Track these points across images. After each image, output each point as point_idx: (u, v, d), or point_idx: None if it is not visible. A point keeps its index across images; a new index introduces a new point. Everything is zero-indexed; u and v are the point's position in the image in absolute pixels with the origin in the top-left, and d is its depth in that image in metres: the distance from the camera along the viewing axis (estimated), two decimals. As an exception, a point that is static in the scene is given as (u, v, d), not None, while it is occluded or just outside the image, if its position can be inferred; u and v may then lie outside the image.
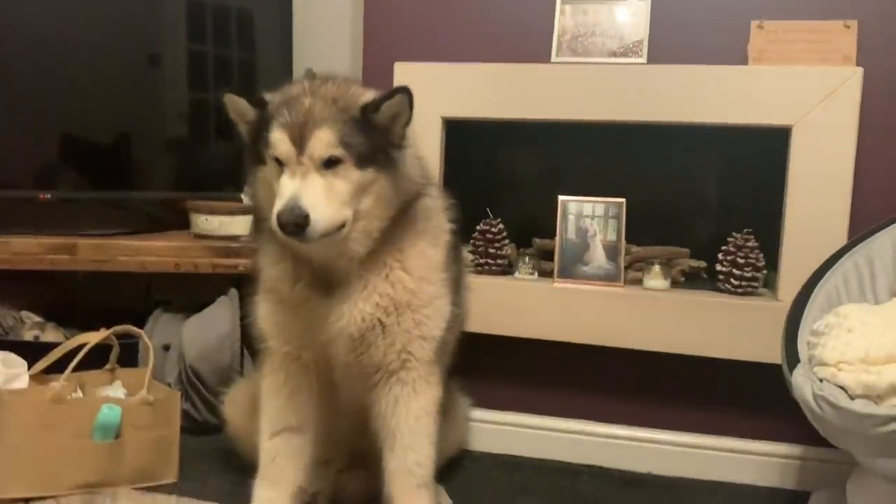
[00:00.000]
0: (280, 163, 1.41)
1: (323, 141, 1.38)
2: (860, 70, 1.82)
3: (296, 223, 1.34)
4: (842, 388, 1.30)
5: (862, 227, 1.83)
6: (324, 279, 1.52)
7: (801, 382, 1.36)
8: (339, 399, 1.68)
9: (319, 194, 1.37)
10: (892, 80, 1.86)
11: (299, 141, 1.38)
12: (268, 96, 1.48)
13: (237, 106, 1.49)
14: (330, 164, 1.39)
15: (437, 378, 1.62)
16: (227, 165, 2.52)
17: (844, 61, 1.86)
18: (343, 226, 1.41)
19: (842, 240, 1.84)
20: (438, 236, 1.60)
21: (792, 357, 1.48)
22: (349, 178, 1.41)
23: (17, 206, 2.40)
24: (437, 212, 1.62)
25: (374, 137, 1.43)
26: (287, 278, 1.55)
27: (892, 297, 1.60)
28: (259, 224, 1.77)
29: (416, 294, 1.54)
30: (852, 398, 1.28)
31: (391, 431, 1.58)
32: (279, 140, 1.39)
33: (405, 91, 1.43)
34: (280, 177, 1.40)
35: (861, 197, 1.85)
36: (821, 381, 1.34)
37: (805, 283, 1.66)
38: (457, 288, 1.67)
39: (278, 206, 1.36)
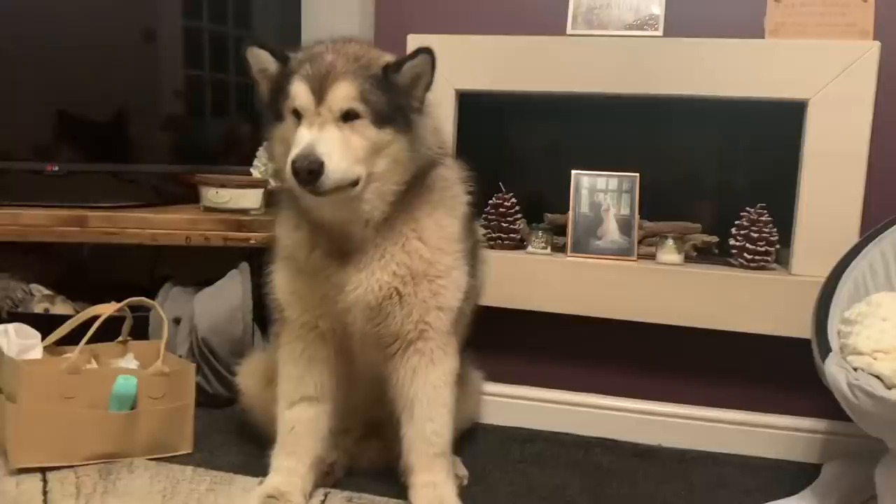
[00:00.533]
0: (298, 116, 1.41)
1: (342, 93, 1.39)
2: (877, 44, 1.81)
3: (309, 169, 1.35)
4: (877, 377, 1.29)
5: (876, 202, 1.84)
6: (340, 247, 1.52)
7: (835, 371, 1.36)
8: (356, 369, 1.68)
9: (335, 145, 1.38)
10: (908, 54, 1.86)
11: (319, 92, 1.39)
12: (290, 54, 1.48)
13: (259, 59, 1.49)
14: (348, 117, 1.40)
15: (454, 349, 1.62)
16: (236, 140, 2.51)
17: (862, 35, 1.86)
18: (356, 183, 1.42)
19: (856, 214, 1.85)
20: (455, 207, 1.60)
21: (823, 345, 1.47)
22: (365, 134, 1.41)
23: (25, 178, 2.39)
24: (453, 183, 1.62)
25: (394, 98, 1.44)
26: (304, 245, 1.55)
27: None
28: (275, 194, 1.76)
29: (433, 264, 1.54)
30: (889, 387, 1.27)
31: (409, 401, 1.58)
32: (299, 91, 1.40)
33: (428, 52, 1.44)
34: (297, 130, 1.41)
35: (875, 172, 1.85)
36: (855, 369, 1.33)
37: (831, 272, 1.66)
38: (472, 259, 1.67)
39: (293, 153, 1.37)
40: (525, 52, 2.01)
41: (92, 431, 1.71)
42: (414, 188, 1.52)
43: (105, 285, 2.41)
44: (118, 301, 1.91)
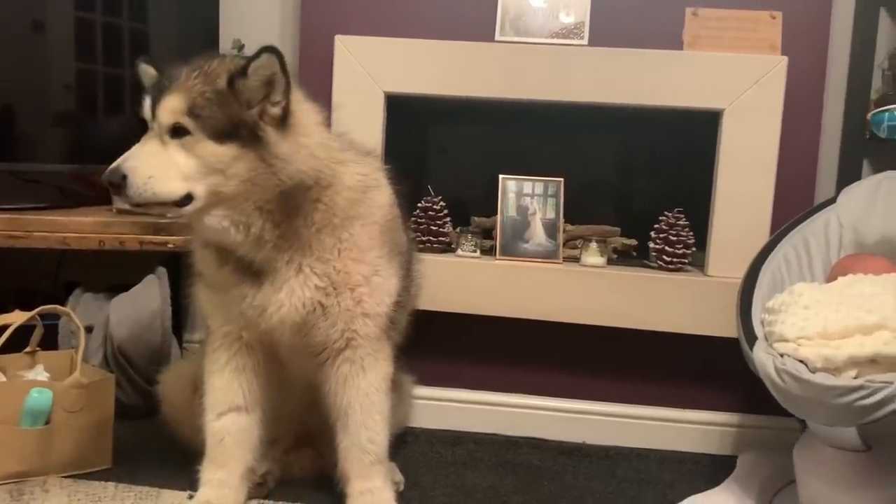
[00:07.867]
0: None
1: (169, 107, 1.35)
2: (785, 59, 1.93)
3: (110, 181, 1.33)
4: (802, 361, 1.37)
5: (784, 205, 1.96)
6: (249, 265, 1.47)
7: (763, 358, 1.43)
8: (287, 377, 1.65)
9: (147, 159, 1.35)
10: (811, 69, 1.98)
11: (153, 106, 1.38)
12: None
13: (146, 73, 1.47)
14: (177, 133, 1.35)
15: (385, 354, 1.61)
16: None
17: (771, 50, 1.97)
18: (188, 199, 1.36)
19: (766, 218, 1.96)
20: (369, 214, 1.54)
21: (749, 334, 1.55)
22: (196, 151, 1.35)
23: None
24: (365, 188, 1.55)
25: (239, 111, 1.37)
26: (212, 263, 1.51)
27: (826, 275, 1.71)
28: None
29: (350, 274, 1.51)
30: (812, 371, 1.35)
31: (343, 409, 1.56)
32: (144, 103, 1.40)
33: (272, 50, 1.36)
34: None
35: (783, 177, 1.97)
36: (781, 355, 1.40)
37: (750, 265, 1.76)
38: (401, 264, 1.65)
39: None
40: (454, 56, 2.02)
41: (2, 449, 1.61)
42: (312, 199, 1.45)
43: (3, 291, 2.27)
44: (23, 308, 1.79)
